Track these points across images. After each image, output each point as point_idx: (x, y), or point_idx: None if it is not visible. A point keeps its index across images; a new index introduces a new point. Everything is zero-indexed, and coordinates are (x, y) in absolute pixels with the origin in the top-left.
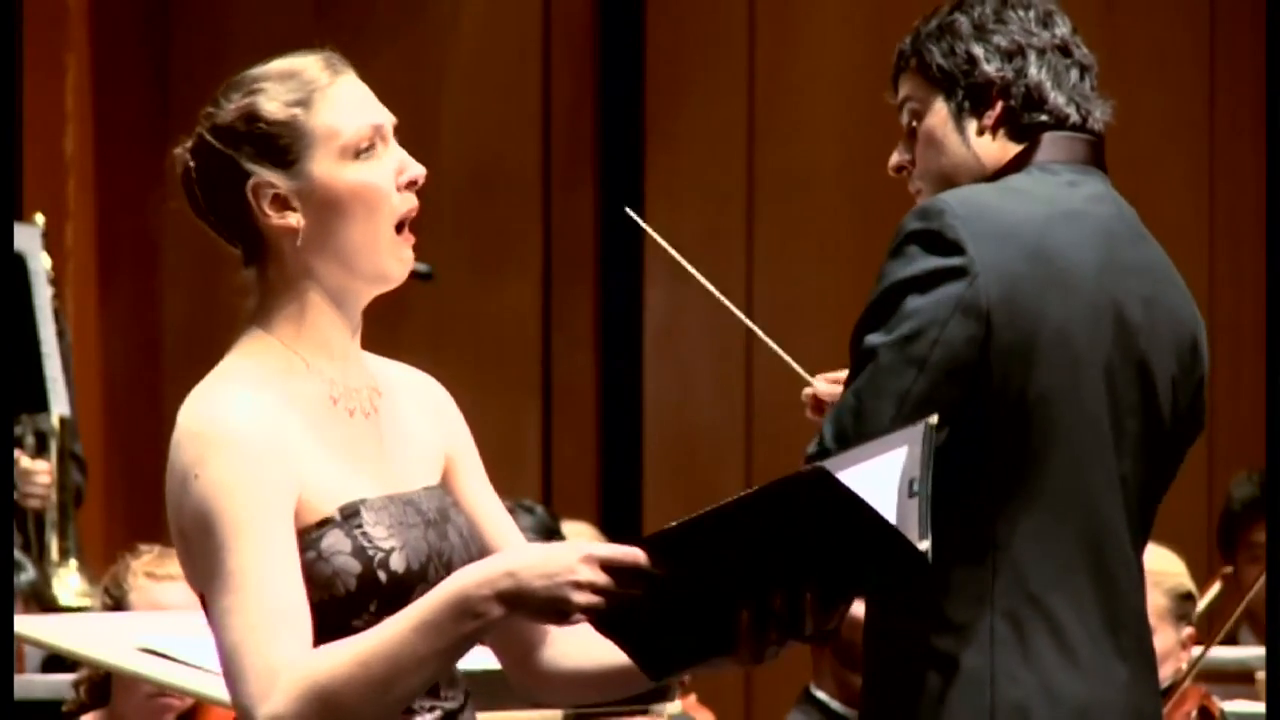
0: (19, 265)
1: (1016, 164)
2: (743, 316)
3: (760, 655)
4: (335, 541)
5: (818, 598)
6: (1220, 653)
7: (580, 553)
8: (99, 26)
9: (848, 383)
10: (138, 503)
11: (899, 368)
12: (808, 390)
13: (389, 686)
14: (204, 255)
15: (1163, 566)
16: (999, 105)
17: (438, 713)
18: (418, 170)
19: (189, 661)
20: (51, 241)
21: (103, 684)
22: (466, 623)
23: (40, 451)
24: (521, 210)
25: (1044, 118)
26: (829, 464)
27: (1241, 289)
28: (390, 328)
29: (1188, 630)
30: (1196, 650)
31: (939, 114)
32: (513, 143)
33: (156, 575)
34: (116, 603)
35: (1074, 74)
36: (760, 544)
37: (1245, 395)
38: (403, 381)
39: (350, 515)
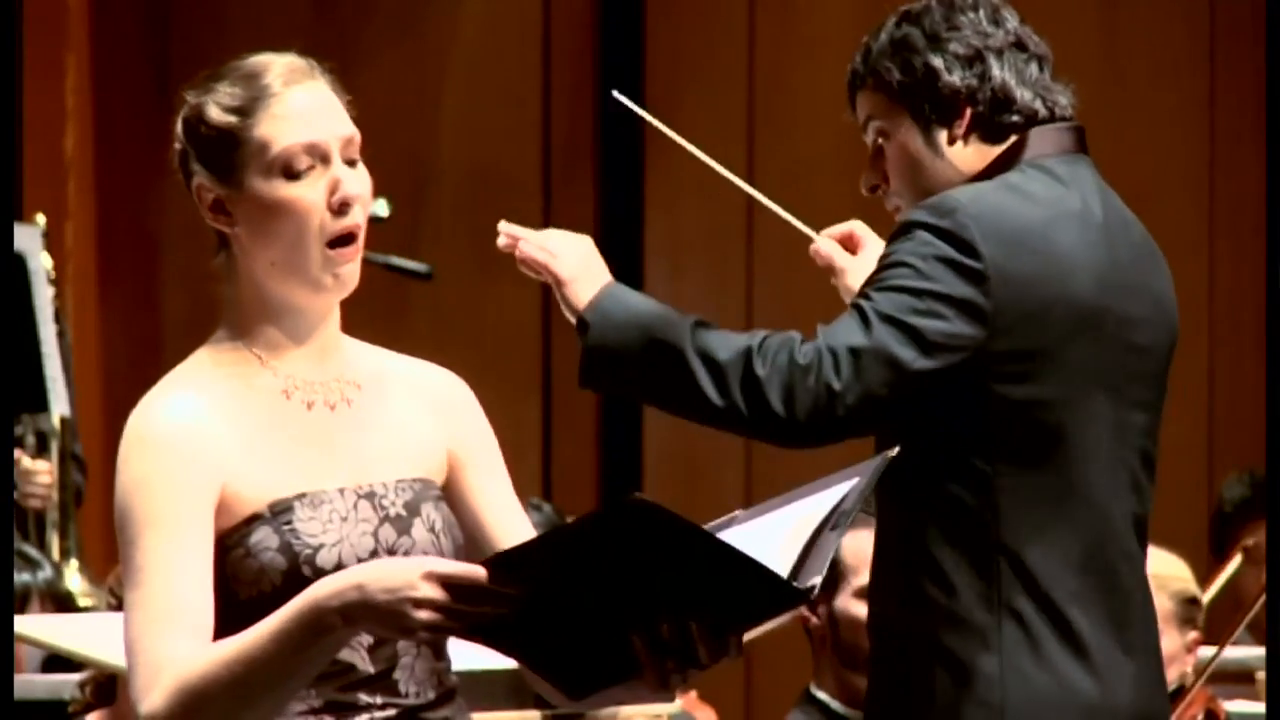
0: (19, 265)
1: (1006, 161)
2: (739, 182)
3: (664, 683)
4: (263, 538)
5: (703, 628)
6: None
7: (422, 569)
8: (99, 26)
9: (863, 297)
10: None
11: (896, 352)
12: (812, 247)
13: (248, 690)
14: (204, 255)
15: (1167, 570)
16: (967, 113)
17: (393, 710)
18: (350, 190)
19: None
20: (51, 241)
21: (108, 684)
22: (316, 633)
23: (41, 451)
24: (521, 210)
25: (1015, 117)
26: (772, 501)
27: (1241, 289)
28: (390, 327)
29: (1193, 634)
30: (1204, 652)
31: (908, 131)
32: (513, 143)
33: None
34: (121, 603)
35: (1033, 68)
36: (608, 570)
37: (1245, 395)
38: (403, 374)
39: (280, 511)
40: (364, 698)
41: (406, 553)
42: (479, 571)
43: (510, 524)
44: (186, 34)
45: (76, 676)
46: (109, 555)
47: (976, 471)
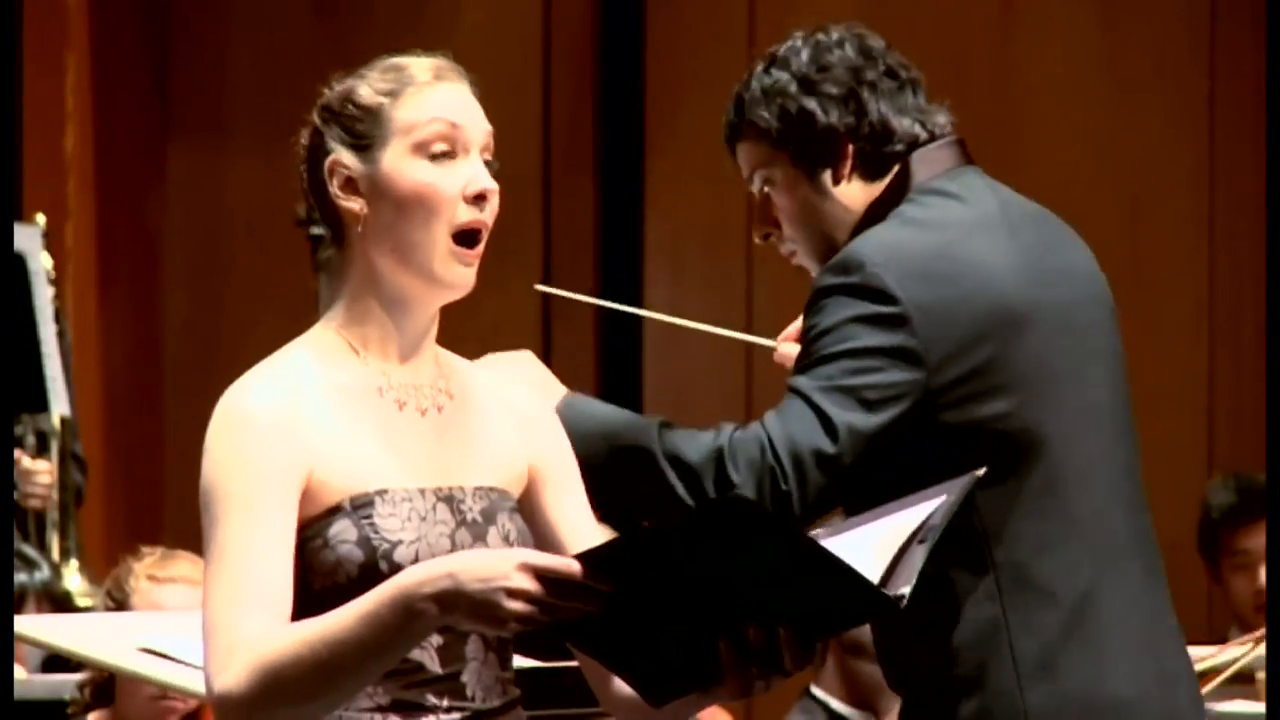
0: (19, 265)
1: (895, 192)
2: (687, 324)
3: (747, 689)
4: (342, 530)
5: (791, 633)
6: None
7: (517, 560)
8: (99, 26)
9: (774, 425)
10: (138, 503)
11: (842, 404)
12: (777, 355)
13: (331, 672)
14: (204, 255)
15: None
16: (849, 150)
17: (459, 714)
18: (486, 184)
19: (189, 662)
20: (51, 241)
21: (107, 684)
22: (405, 618)
23: (41, 451)
24: (521, 210)
25: (898, 146)
26: (868, 514)
27: (1241, 289)
28: None
29: None
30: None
31: (792, 177)
32: (513, 143)
33: (158, 578)
34: (118, 605)
35: (907, 95)
36: (704, 571)
37: (1245, 395)
38: (494, 389)
39: (361, 505)
40: (431, 698)
41: None
42: (574, 565)
43: (586, 542)
44: (186, 34)
45: (76, 676)
46: (109, 555)
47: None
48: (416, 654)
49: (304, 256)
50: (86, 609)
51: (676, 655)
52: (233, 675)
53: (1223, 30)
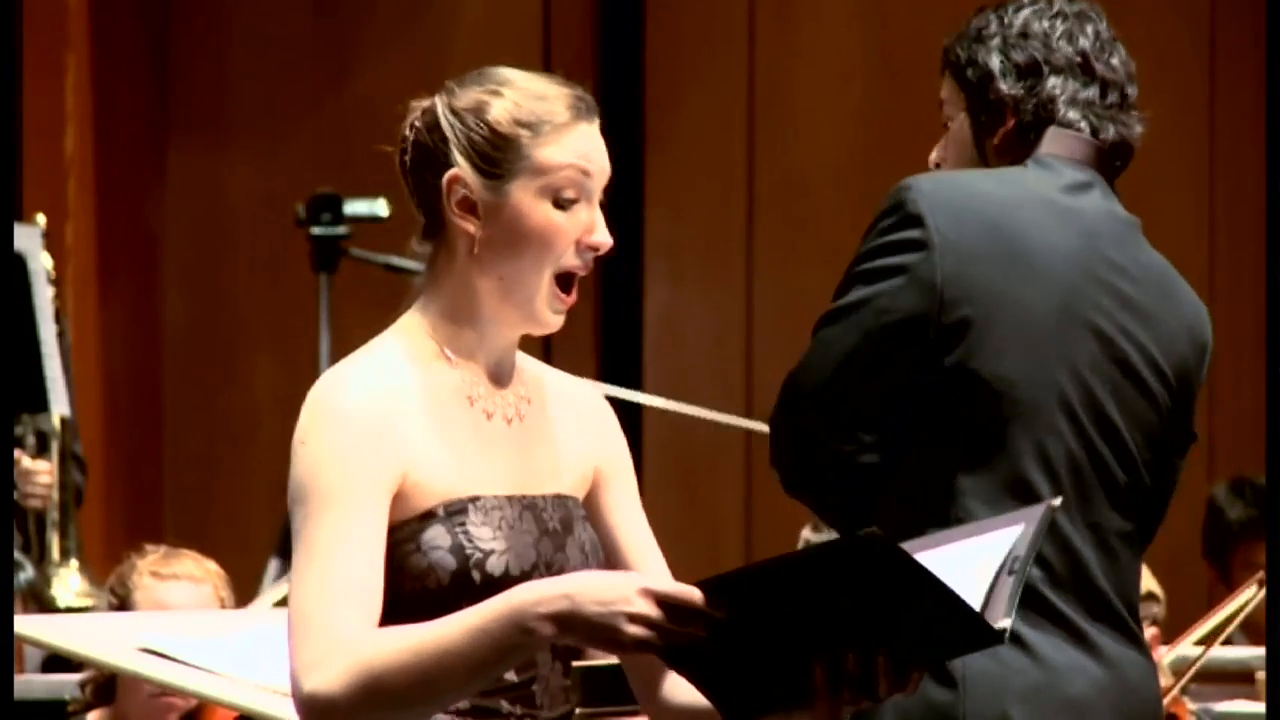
0: (19, 265)
1: (1019, 158)
2: (702, 413)
3: (836, 713)
4: (435, 536)
5: (891, 662)
6: (1220, 653)
7: (638, 585)
8: (99, 26)
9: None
10: (138, 503)
11: (843, 331)
12: None
13: (435, 682)
14: (204, 255)
15: None
16: (1011, 122)
17: None
18: (605, 239)
19: (189, 662)
20: (51, 241)
21: (107, 684)
22: (518, 636)
23: (41, 451)
24: None
25: (1053, 126)
26: (936, 537)
27: (1241, 289)
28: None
29: (1152, 631)
30: (1163, 649)
31: (963, 127)
32: None
33: (162, 575)
34: (121, 602)
35: (1092, 91)
36: (822, 601)
37: (1245, 397)
38: (561, 389)
39: (455, 512)
40: (505, 705)
41: (561, 569)
42: (695, 593)
43: (644, 544)
44: (186, 34)
45: (76, 676)
46: (109, 555)
47: (933, 449)
48: None
49: (304, 256)
50: (85, 609)
51: (767, 676)
52: (330, 676)
53: (1223, 30)
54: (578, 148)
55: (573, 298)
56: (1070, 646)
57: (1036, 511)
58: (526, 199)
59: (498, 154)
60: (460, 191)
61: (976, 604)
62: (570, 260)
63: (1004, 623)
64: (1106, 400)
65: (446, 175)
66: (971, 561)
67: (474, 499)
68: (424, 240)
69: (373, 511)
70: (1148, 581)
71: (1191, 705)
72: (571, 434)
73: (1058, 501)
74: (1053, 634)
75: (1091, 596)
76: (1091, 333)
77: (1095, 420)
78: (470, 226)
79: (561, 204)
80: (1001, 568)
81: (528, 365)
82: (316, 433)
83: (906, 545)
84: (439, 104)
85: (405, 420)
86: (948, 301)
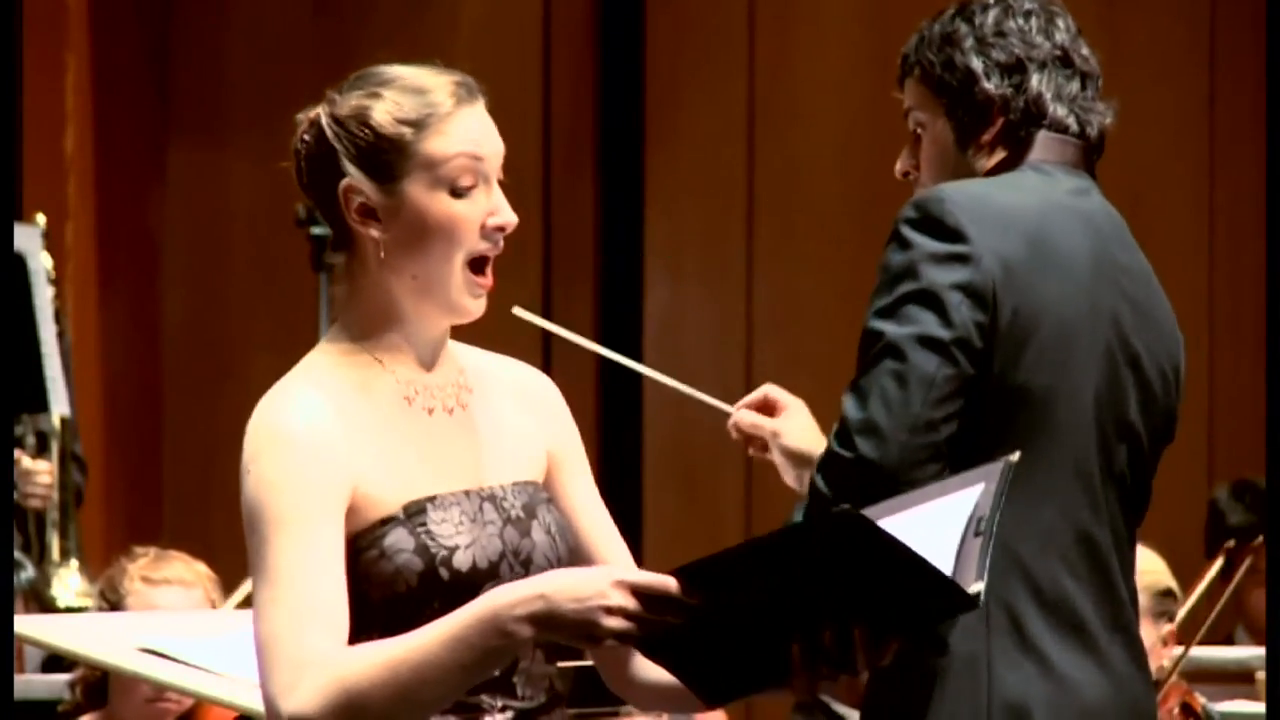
0: (19, 265)
1: (1009, 163)
2: (632, 364)
3: (815, 688)
4: (398, 539)
5: (867, 635)
6: (1220, 652)
7: (612, 578)
8: (99, 26)
9: (858, 372)
10: (138, 503)
11: (919, 354)
12: (731, 421)
13: (414, 694)
14: (204, 255)
15: (1142, 564)
16: (999, 121)
17: (510, 713)
18: (509, 218)
19: (189, 661)
20: (51, 241)
21: (99, 685)
22: (495, 640)
23: (41, 452)
24: (521, 210)
25: (1043, 130)
26: (895, 501)
27: (1241, 289)
28: None
29: (1168, 627)
30: (1179, 648)
31: (942, 132)
32: (513, 143)
33: (153, 579)
34: (113, 606)
35: (1075, 84)
36: (796, 581)
37: (1245, 397)
38: (503, 376)
39: (415, 513)
40: (486, 699)
41: (529, 555)
42: (670, 582)
43: (600, 526)
44: (186, 34)
45: (70, 676)
46: (109, 555)
47: (965, 458)
48: None
49: (304, 256)
50: (85, 609)
51: (742, 657)
52: (305, 696)
53: (1223, 30)
54: (465, 134)
55: (489, 279)
56: (1085, 659)
57: (995, 469)
58: (422, 195)
59: (386, 157)
60: (357, 199)
61: (947, 569)
62: (478, 245)
63: (976, 586)
64: (1128, 404)
65: (341, 185)
66: (938, 525)
67: (431, 498)
68: (335, 252)
69: (328, 530)
70: (1166, 579)
71: (1201, 699)
72: (520, 420)
73: (1015, 457)
74: (1073, 646)
75: (1115, 603)
76: (1114, 335)
77: (1118, 424)
78: (374, 232)
79: (459, 193)
80: (967, 529)
81: (469, 356)
82: (260, 458)
83: (870, 511)
84: (322, 115)
85: (348, 433)
86: (1000, 313)
